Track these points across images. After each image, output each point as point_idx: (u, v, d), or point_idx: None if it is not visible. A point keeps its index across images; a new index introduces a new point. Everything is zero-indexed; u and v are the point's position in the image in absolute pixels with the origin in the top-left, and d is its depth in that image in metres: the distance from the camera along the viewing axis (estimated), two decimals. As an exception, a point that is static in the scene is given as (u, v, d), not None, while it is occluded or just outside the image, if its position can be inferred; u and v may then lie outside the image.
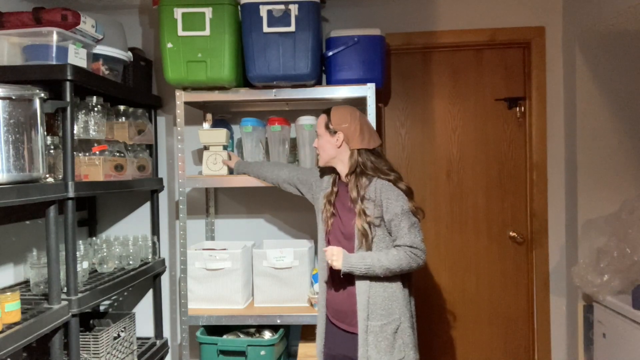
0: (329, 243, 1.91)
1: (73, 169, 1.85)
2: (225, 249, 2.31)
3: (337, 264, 1.77)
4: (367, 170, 1.83)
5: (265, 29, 2.12)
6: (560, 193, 2.69)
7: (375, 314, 1.77)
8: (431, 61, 2.78)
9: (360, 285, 1.78)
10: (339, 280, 1.84)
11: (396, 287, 1.80)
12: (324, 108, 1.96)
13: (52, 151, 1.94)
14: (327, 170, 1.99)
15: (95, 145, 2.11)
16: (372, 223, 1.78)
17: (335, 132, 1.87)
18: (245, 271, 2.31)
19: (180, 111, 2.27)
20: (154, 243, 2.62)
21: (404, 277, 1.82)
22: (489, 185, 2.78)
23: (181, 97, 2.27)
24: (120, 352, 2.27)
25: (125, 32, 2.37)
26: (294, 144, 2.44)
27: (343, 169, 1.90)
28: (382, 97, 2.76)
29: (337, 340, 1.89)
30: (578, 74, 2.52)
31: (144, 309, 2.75)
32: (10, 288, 1.97)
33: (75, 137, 1.97)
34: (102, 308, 2.72)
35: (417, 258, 1.76)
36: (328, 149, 1.89)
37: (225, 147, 2.36)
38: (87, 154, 2.09)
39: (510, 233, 2.77)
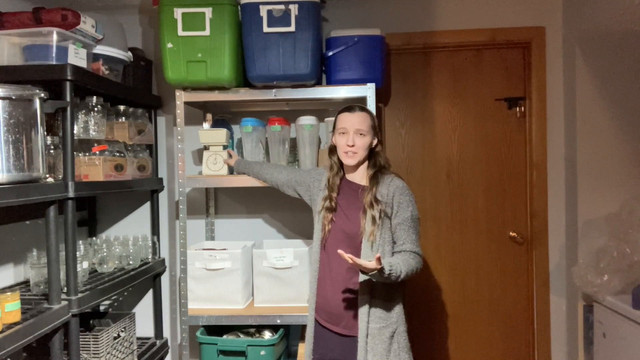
0: (326, 244, 1.88)
1: (73, 169, 1.85)
2: (225, 249, 2.31)
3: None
4: (388, 170, 1.86)
5: (265, 29, 2.12)
6: (560, 193, 2.69)
7: (374, 317, 1.76)
8: (431, 61, 2.78)
9: (363, 288, 1.77)
10: (339, 283, 1.82)
11: (395, 290, 1.80)
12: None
13: (52, 151, 1.94)
14: (328, 170, 1.95)
15: (95, 145, 2.11)
16: (379, 224, 1.76)
17: (376, 133, 1.89)
18: (245, 271, 2.31)
19: (180, 111, 2.27)
20: (154, 243, 2.62)
21: (401, 282, 1.81)
22: (489, 185, 2.78)
23: (181, 97, 2.27)
24: (120, 352, 2.27)
25: (125, 32, 2.37)
26: (294, 144, 2.44)
27: (362, 169, 1.89)
28: (382, 97, 2.76)
29: (329, 345, 1.86)
30: (578, 74, 2.52)
31: (144, 309, 2.75)
32: (10, 288, 1.96)
33: (75, 137, 1.97)
34: (102, 308, 2.72)
35: (420, 266, 1.79)
36: (367, 149, 1.85)
37: (225, 147, 2.37)
38: (87, 154, 2.09)
39: (510, 233, 2.77)
